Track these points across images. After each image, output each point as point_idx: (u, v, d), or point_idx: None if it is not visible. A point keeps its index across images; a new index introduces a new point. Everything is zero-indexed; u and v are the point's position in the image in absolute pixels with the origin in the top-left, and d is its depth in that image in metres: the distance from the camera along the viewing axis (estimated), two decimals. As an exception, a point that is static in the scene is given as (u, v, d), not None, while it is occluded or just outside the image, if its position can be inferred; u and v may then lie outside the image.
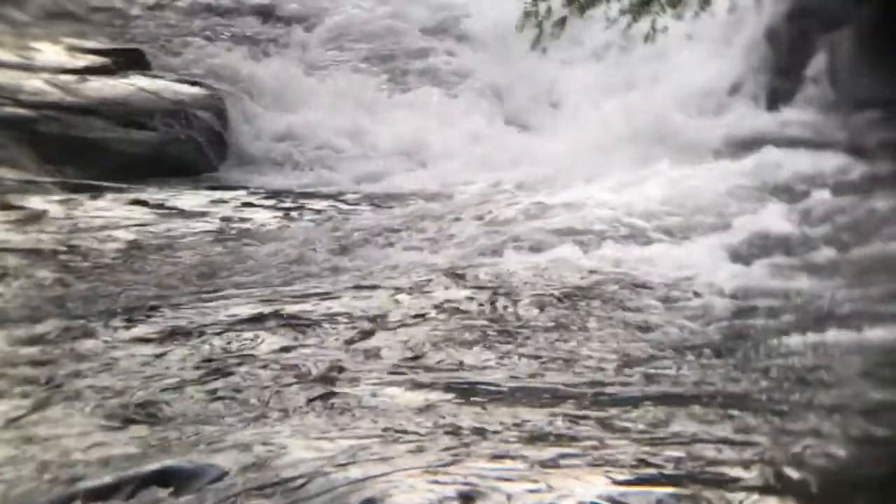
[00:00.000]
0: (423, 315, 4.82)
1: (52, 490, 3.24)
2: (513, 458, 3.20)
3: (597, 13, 8.90)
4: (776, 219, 5.99)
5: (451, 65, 9.64)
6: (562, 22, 8.69)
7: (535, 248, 5.80)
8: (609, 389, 3.93)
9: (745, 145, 7.27)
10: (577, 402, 3.75)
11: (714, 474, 3.07)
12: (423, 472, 3.06)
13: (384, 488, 2.95)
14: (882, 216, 5.98)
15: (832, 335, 4.41)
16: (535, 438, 3.39)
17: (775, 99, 7.96)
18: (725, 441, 3.33)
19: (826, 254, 5.56)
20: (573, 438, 3.39)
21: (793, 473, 3.09)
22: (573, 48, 9.12)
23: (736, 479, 3.04)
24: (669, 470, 3.11)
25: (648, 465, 3.15)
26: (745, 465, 3.14)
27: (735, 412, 3.60)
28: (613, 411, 3.64)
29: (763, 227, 5.89)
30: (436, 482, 2.98)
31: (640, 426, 3.49)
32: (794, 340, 4.38)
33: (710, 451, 3.25)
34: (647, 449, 3.26)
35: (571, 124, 7.87)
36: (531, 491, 2.94)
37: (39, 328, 4.71)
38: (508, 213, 6.45)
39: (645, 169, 6.86)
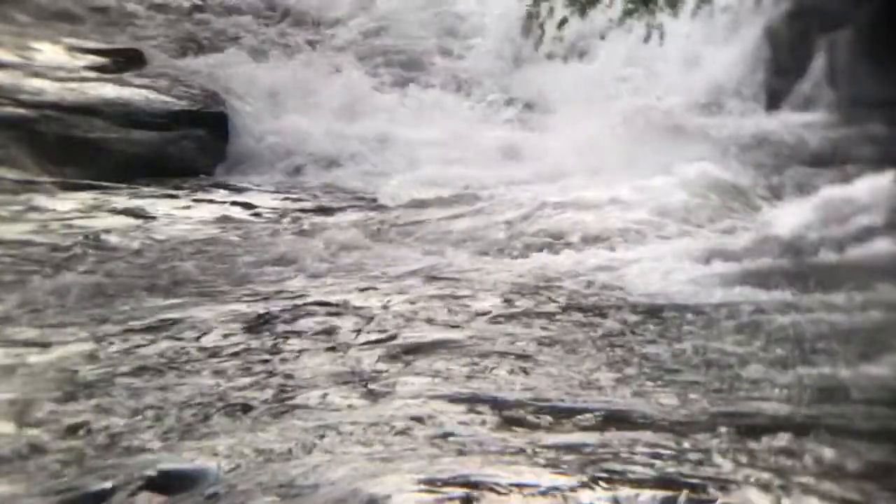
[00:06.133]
0: (423, 317, 4.83)
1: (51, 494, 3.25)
2: (518, 464, 3.20)
3: (597, 13, 8.93)
4: (778, 221, 5.99)
5: (454, 65, 9.66)
6: (563, 22, 8.73)
7: (536, 251, 5.82)
8: (618, 406, 3.89)
9: (745, 146, 7.27)
10: (582, 418, 3.73)
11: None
12: (426, 479, 3.06)
13: (385, 491, 2.96)
14: (885, 218, 5.98)
15: (844, 346, 4.37)
16: (540, 450, 3.39)
17: (775, 99, 7.95)
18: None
19: (831, 257, 5.55)
20: (577, 451, 3.39)
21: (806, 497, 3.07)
22: (573, 48, 9.14)
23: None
24: (676, 483, 3.10)
25: (658, 474, 3.15)
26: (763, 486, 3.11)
27: (748, 432, 3.56)
28: (631, 431, 3.60)
29: (765, 230, 5.90)
30: (438, 488, 2.99)
31: (651, 443, 3.47)
32: (805, 348, 4.35)
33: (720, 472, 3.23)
34: (658, 462, 3.26)
35: (571, 125, 7.88)
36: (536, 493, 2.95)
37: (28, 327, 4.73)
38: (510, 213, 6.46)
39: (643, 170, 6.86)
